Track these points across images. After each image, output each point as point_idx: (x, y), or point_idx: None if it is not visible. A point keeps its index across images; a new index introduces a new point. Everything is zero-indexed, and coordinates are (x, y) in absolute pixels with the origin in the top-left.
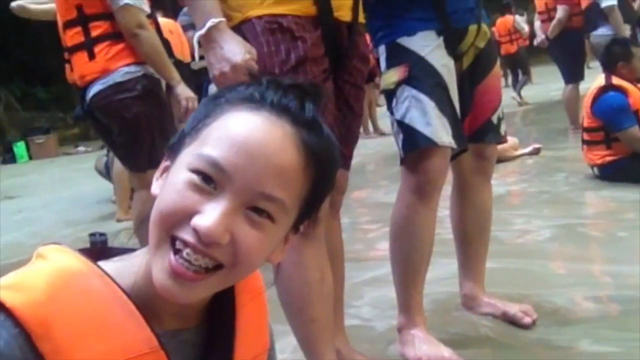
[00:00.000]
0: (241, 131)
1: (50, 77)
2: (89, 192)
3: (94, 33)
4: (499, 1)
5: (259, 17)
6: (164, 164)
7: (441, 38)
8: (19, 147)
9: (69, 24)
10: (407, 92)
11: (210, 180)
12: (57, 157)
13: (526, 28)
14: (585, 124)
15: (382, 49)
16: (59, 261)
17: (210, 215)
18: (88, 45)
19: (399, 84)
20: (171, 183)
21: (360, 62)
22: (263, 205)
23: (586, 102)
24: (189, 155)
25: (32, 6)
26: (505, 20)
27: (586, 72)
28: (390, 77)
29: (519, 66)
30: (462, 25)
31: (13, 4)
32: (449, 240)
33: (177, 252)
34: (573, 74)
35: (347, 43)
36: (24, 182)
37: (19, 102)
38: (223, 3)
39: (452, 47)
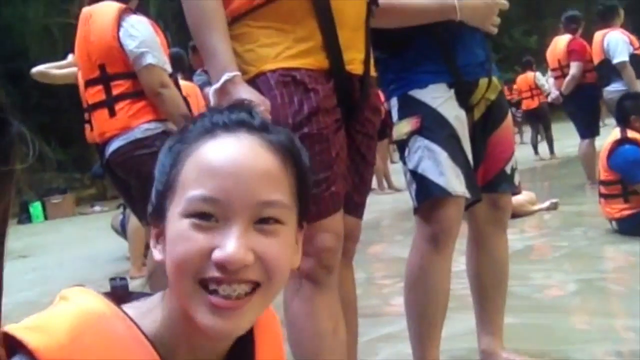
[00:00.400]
0: (214, 159)
1: (69, 138)
2: (104, 250)
3: (116, 91)
4: (518, 58)
5: (273, 71)
6: (154, 230)
7: (452, 90)
8: (35, 208)
9: (91, 83)
10: (420, 142)
11: (208, 216)
12: (73, 216)
13: (547, 84)
14: (602, 177)
15: (394, 101)
16: (82, 303)
17: (227, 244)
18: (109, 103)
19: (411, 134)
20: (174, 237)
21: (372, 113)
22: (267, 213)
23: (602, 156)
24: (177, 207)
25: (53, 71)
26: (527, 77)
27: (602, 128)
28: (403, 127)
29: (540, 122)
30: (472, 79)
31: (33, 70)
32: (466, 295)
33: (212, 292)
34: (588, 129)
35: (358, 95)
36: (39, 241)
37: (37, 163)
38: (238, 58)
39: (464, 99)
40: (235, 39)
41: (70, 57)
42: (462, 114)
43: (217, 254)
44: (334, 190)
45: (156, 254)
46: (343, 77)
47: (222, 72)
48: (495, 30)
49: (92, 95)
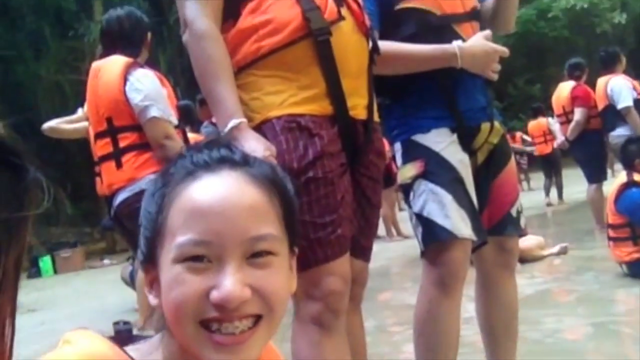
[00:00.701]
0: (200, 201)
1: (80, 193)
2: (114, 303)
3: (122, 144)
4: (523, 107)
5: (279, 117)
6: (147, 276)
7: (455, 135)
8: (45, 262)
9: (99, 135)
10: (424, 186)
11: (201, 257)
12: (82, 270)
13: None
14: (610, 221)
15: (398, 146)
16: (85, 346)
17: (223, 283)
18: (116, 155)
19: (415, 178)
20: (169, 282)
21: (376, 157)
22: (259, 247)
23: (610, 199)
24: (169, 253)
25: (64, 126)
26: (539, 123)
27: (611, 174)
28: (407, 171)
29: (553, 167)
30: (474, 123)
31: (45, 126)
32: (477, 342)
33: (215, 331)
34: (596, 174)
35: (362, 139)
36: (48, 295)
37: (47, 218)
38: (244, 106)
39: (466, 144)
40: (241, 88)
41: (80, 111)
42: (465, 158)
43: (214, 295)
44: (340, 233)
45: (151, 299)
46: (347, 122)
47: (228, 119)
48: (495, 77)
49: (101, 147)
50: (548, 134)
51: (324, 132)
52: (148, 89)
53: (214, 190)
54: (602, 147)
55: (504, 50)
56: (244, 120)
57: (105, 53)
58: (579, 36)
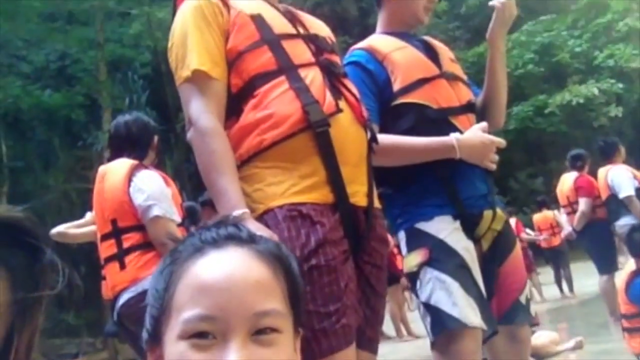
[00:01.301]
0: (206, 276)
1: (83, 303)
2: None
3: (126, 244)
4: (526, 201)
5: (280, 207)
6: (151, 356)
7: (458, 222)
8: None
9: (104, 238)
10: (430, 273)
11: (206, 334)
12: None
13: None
14: (624, 311)
15: (401, 235)
16: None
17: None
18: (120, 256)
19: (421, 266)
20: None
21: (379, 244)
22: (263, 323)
23: (620, 289)
24: (174, 329)
25: (72, 231)
26: (545, 215)
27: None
28: (412, 260)
29: (561, 260)
30: (476, 211)
31: (53, 231)
32: None
33: None
34: (606, 265)
35: (364, 226)
36: None
37: (49, 329)
38: (247, 198)
39: (470, 231)
40: (244, 180)
41: (88, 215)
42: (470, 245)
43: None
44: (345, 322)
45: None
46: (348, 209)
47: (231, 210)
48: (493, 167)
49: (105, 249)
50: (556, 226)
51: (325, 220)
52: (151, 189)
53: (220, 265)
54: (610, 236)
55: (501, 142)
56: (247, 211)
57: (113, 156)
58: (577, 130)
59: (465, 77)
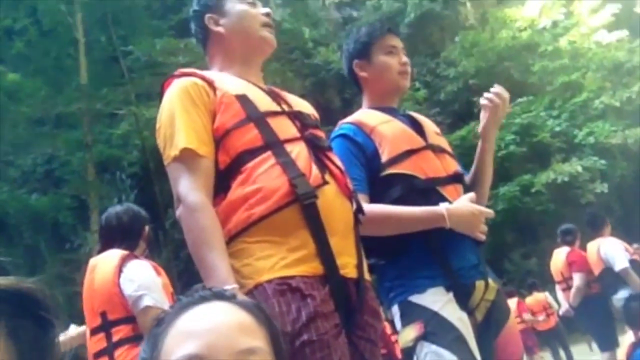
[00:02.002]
0: (193, 322)
1: None
2: None
3: (115, 338)
4: (522, 282)
5: (270, 281)
6: None
7: (451, 293)
8: None
9: (94, 332)
10: (427, 348)
11: None
12: None
13: (554, 304)
14: None
15: (395, 309)
16: None
17: None
18: (109, 351)
19: (417, 340)
20: None
21: (372, 317)
22: None
23: None
24: None
25: (61, 338)
26: (536, 298)
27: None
28: (407, 335)
29: (558, 341)
30: (468, 281)
31: None
32: None
33: None
34: (607, 342)
35: (355, 298)
36: None
37: None
38: (236, 273)
39: (463, 302)
40: (232, 256)
41: (72, 328)
42: (464, 316)
43: None
44: None
45: None
46: (338, 281)
47: (220, 286)
48: (482, 237)
49: (94, 344)
50: (548, 308)
51: (315, 293)
52: (142, 279)
53: (205, 313)
54: (608, 311)
55: (489, 212)
56: (236, 286)
57: (103, 248)
58: (565, 208)
59: (450, 150)
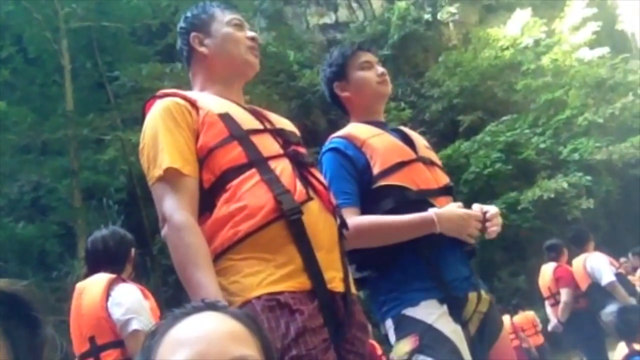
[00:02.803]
0: (186, 331)
1: None
2: None
3: None
4: (511, 299)
5: (258, 297)
6: None
7: (445, 306)
8: None
9: (82, 357)
10: None
11: None
12: None
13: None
14: None
15: (389, 323)
16: None
17: None
18: None
19: (412, 353)
20: None
21: (360, 331)
22: None
23: None
24: None
25: None
26: (526, 315)
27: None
28: (402, 348)
29: (546, 357)
30: (461, 293)
31: None
32: None
33: None
34: (596, 356)
35: (343, 313)
36: None
37: None
38: (224, 291)
39: (456, 314)
40: (220, 273)
41: None
42: (458, 328)
43: None
44: None
45: None
46: (326, 296)
47: None
48: (472, 241)
49: None
50: (537, 325)
51: (304, 308)
52: (130, 302)
53: (197, 323)
54: (597, 326)
55: (478, 214)
56: (225, 304)
57: (90, 272)
58: (552, 225)
59: (440, 163)
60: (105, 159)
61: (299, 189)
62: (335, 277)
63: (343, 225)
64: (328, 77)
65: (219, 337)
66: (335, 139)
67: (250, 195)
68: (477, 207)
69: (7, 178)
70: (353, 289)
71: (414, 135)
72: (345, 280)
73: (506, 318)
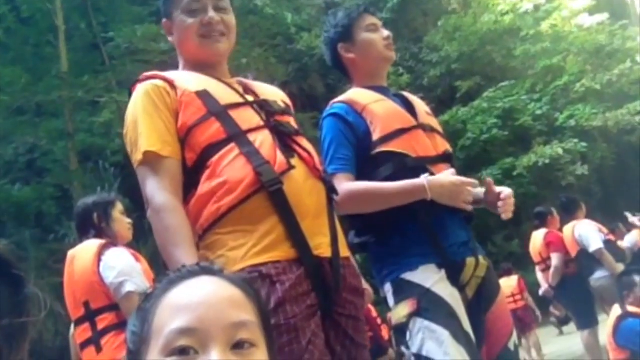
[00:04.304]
0: (184, 296)
1: None
2: None
3: (100, 326)
4: (508, 261)
5: (242, 270)
6: None
7: (443, 271)
8: None
9: (78, 322)
10: (420, 324)
11: (188, 349)
12: None
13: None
14: (612, 358)
15: (388, 287)
16: None
17: None
18: (95, 339)
19: (410, 317)
20: None
21: (351, 294)
22: (240, 335)
23: (608, 337)
24: (155, 350)
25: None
26: (510, 280)
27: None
28: (401, 311)
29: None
30: (459, 258)
31: None
32: None
33: None
34: (586, 319)
35: (331, 277)
36: None
37: None
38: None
39: (455, 279)
40: (207, 248)
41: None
42: (455, 292)
43: None
44: None
45: None
46: (312, 262)
47: None
48: (468, 207)
49: (80, 334)
50: (518, 294)
51: (285, 278)
52: (122, 265)
53: (195, 287)
54: (586, 290)
55: (471, 181)
56: None
57: (80, 239)
58: (546, 191)
59: (441, 130)
60: (101, 121)
61: (280, 159)
62: (322, 243)
63: (332, 190)
64: (332, 38)
65: (218, 303)
66: (336, 103)
67: (230, 169)
68: (495, 189)
69: (2, 140)
70: (344, 253)
71: (416, 102)
72: (334, 244)
73: (513, 279)
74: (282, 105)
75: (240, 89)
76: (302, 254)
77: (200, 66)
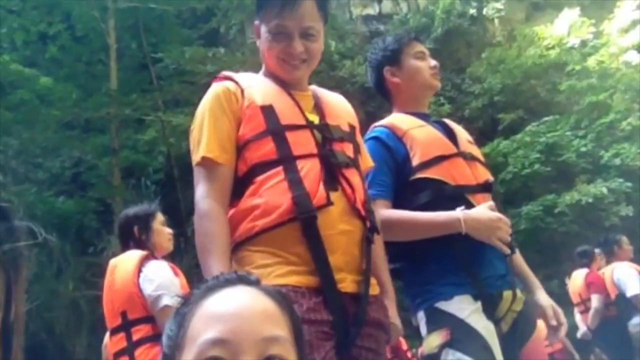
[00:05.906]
0: (220, 307)
1: None
2: None
3: (135, 337)
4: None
5: None
6: None
7: (479, 302)
8: None
9: (114, 332)
10: (452, 355)
11: None
12: None
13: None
14: None
15: (421, 315)
16: None
17: None
18: (130, 350)
19: (442, 347)
20: None
21: (374, 329)
22: (271, 350)
23: None
24: (189, 356)
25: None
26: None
27: None
28: (433, 341)
29: None
30: (495, 291)
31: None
32: None
33: None
34: None
35: (352, 312)
36: None
37: None
38: None
39: (490, 312)
40: (237, 261)
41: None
42: (490, 325)
43: None
44: None
45: None
46: (334, 295)
47: None
48: (504, 248)
49: (115, 344)
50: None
51: (303, 301)
52: (160, 278)
53: (231, 298)
54: (626, 334)
55: (507, 221)
56: None
57: (122, 249)
58: (589, 231)
59: (482, 159)
60: (146, 139)
61: (320, 193)
62: (346, 278)
63: (372, 230)
64: (380, 61)
65: (252, 316)
66: (377, 127)
67: (271, 192)
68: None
69: (50, 153)
70: (374, 292)
71: (457, 129)
72: (365, 282)
73: None
74: (346, 128)
75: (310, 105)
76: (325, 284)
77: (277, 78)
